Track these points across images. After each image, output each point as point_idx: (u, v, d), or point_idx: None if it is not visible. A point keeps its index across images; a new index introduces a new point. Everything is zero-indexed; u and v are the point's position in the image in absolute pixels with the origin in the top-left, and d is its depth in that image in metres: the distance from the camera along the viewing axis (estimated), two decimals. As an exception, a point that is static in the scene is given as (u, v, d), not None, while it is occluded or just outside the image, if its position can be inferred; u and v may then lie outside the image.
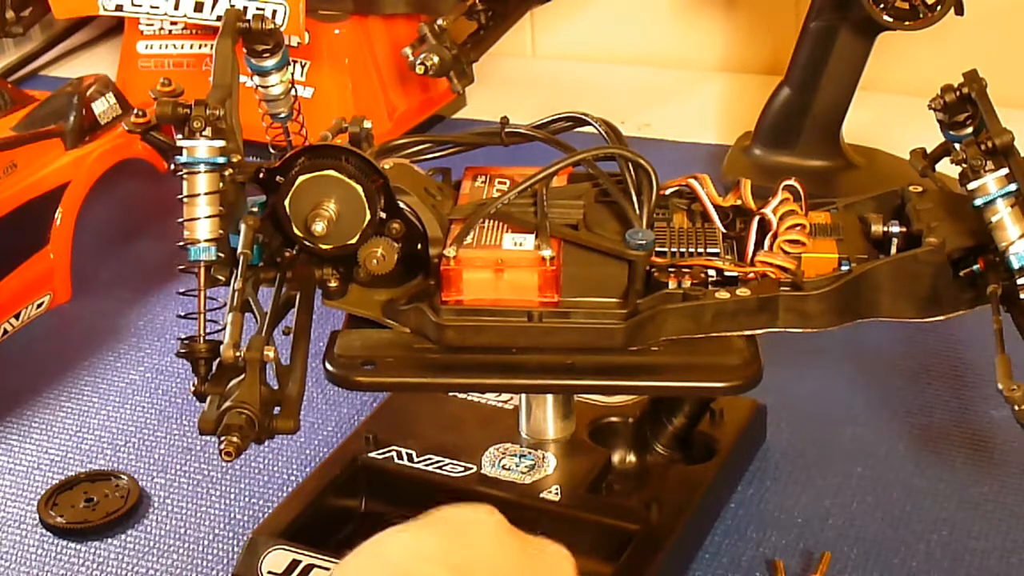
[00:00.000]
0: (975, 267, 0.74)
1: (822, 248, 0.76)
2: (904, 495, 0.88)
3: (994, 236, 0.72)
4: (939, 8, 1.13)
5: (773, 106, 1.27)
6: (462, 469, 0.84)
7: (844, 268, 0.75)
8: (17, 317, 1.07)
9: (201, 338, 0.69)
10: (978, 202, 0.72)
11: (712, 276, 0.74)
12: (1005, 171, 0.71)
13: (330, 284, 0.74)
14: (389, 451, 0.86)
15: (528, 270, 0.72)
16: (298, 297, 0.74)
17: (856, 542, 0.84)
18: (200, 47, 1.46)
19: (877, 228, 0.77)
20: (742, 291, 0.73)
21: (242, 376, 0.66)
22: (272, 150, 0.85)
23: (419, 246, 0.74)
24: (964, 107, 0.74)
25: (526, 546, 0.59)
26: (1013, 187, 0.71)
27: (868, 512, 0.86)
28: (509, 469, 0.83)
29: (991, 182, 0.71)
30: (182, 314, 0.72)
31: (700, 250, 0.75)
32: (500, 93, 1.53)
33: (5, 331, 1.06)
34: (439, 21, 1.31)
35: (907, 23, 1.14)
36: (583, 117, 0.82)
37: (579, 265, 0.73)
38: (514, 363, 0.73)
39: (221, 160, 0.71)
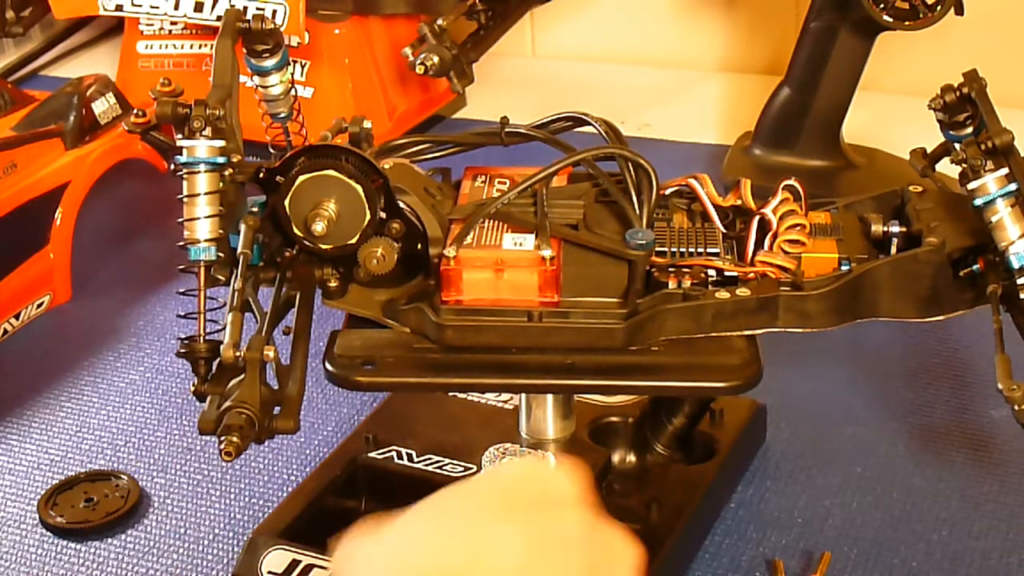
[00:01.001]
0: (975, 267, 0.74)
1: (822, 248, 0.76)
2: (904, 495, 0.88)
3: (994, 236, 0.72)
4: (939, 8, 1.13)
5: (773, 106, 1.27)
6: (462, 469, 0.84)
7: (844, 268, 0.75)
8: (17, 317, 1.07)
9: (201, 338, 0.69)
10: (978, 202, 0.72)
11: (712, 276, 0.74)
12: (1005, 171, 0.71)
13: (330, 284, 0.74)
14: (389, 451, 0.86)
15: (528, 270, 0.72)
16: (298, 297, 0.74)
17: (856, 542, 0.84)
18: (200, 47, 1.46)
19: (877, 228, 0.77)
20: (742, 291, 0.73)
21: (242, 376, 0.66)
22: (272, 150, 0.85)
23: (419, 246, 0.74)
24: (964, 107, 0.74)
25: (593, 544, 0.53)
26: (1013, 187, 0.71)
27: (868, 512, 0.86)
28: (509, 469, 0.83)
29: (991, 182, 0.71)
30: (182, 314, 0.72)
31: (700, 250, 0.75)
32: (500, 93, 1.53)
33: (5, 331, 1.06)
34: (439, 21, 1.31)
35: (907, 23, 1.14)
36: (583, 117, 0.82)
37: (579, 265, 0.73)
38: (514, 363, 0.73)
39: (221, 160, 0.71)
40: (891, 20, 1.14)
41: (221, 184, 0.71)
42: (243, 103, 0.76)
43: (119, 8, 1.41)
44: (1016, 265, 0.71)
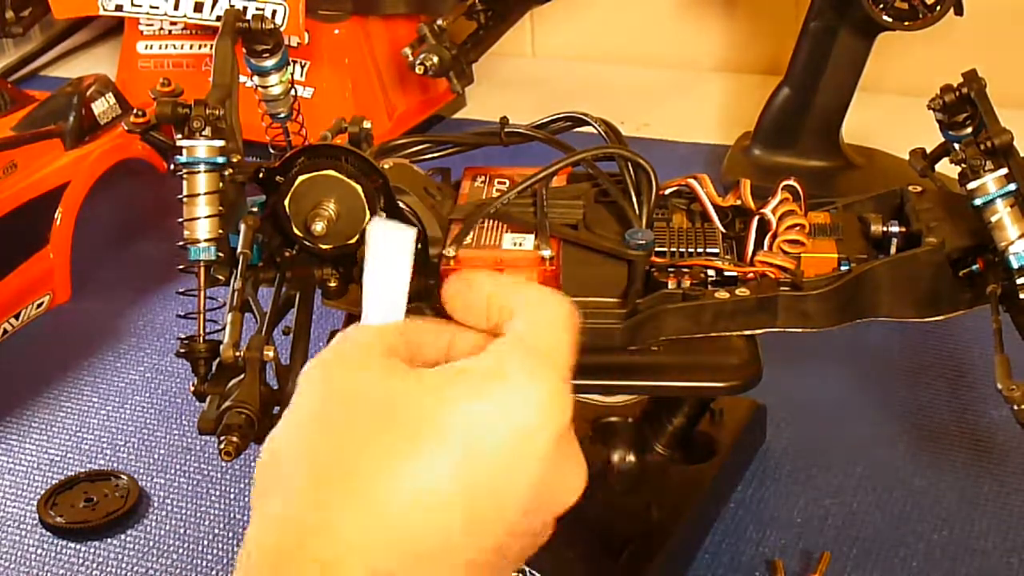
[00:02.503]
0: (974, 267, 0.74)
1: (822, 248, 0.76)
2: (904, 495, 0.88)
3: (993, 236, 0.72)
4: (939, 8, 1.13)
5: (773, 106, 1.27)
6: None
7: (844, 268, 0.75)
8: (17, 317, 1.07)
9: (201, 338, 0.69)
10: (977, 202, 0.72)
11: (712, 276, 0.74)
12: (1004, 171, 0.71)
13: (330, 284, 0.74)
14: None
15: (528, 270, 0.72)
16: (298, 297, 0.74)
17: (856, 542, 0.84)
18: (200, 47, 1.46)
19: (876, 228, 0.77)
20: (742, 291, 0.73)
21: (242, 376, 0.66)
22: (272, 150, 0.85)
23: (418, 246, 0.74)
24: (964, 107, 0.74)
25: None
26: (1012, 187, 0.71)
27: (868, 512, 0.86)
28: (509, 469, 0.83)
29: (990, 182, 0.71)
30: (182, 314, 0.72)
31: (700, 250, 0.75)
32: (500, 93, 1.53)
33: (5, 331, 1.06)
34: (439, 21, 1.31)
35: (907, 23, 1.14)
36: (583, 117, 0.82)
37: (579, 265, 0.73)
38: (514, 363, 0.73)
39: (221, 160, 0.71)
40: (891, 20, 1.14)
41: (221, 184, 0.71)
42: (243, 103, 0.76)
43: (119, 8, 1.41)
44: (1015, 265, 0.71)
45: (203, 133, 0.71)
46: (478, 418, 0.47)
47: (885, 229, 0.77)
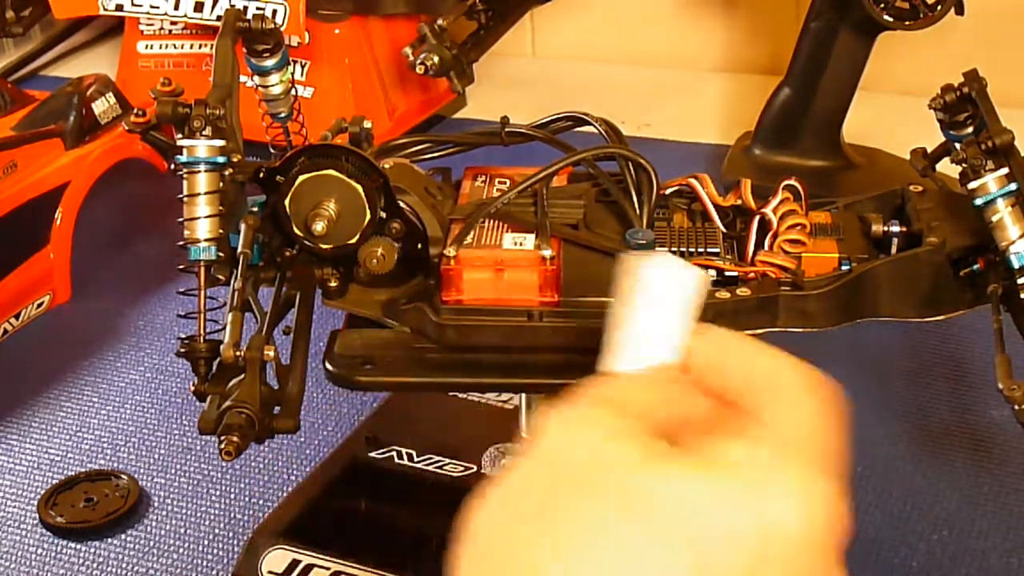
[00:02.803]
0: (975, 267, 0.74)
1: (822, 248, 0.76)
2: (904, 495, 0.88)
3: (994, 236, 0.72)
4: (939, 8, 1.13)
5: (773, 106, 1.27)
6: (462, 469, 0.84)
7: (844, 268, 0.75)
8: (17, 317, 1.07)
9: (201, 338, 0.69)
10: (978, 202, 0.72)
11: (712, 276, 0.74)
12: (1005, 171, 0.71)
13: (330, 284, 0.74)
14: (389, 451, 0.86)
15: (528, 270, 0.72)
16: (298, 297, 0.74)
17: (856, 542, 0.83)
18: (200, 47, 1.46)
19: (877, 228, 0.77)
20: (742, 291, 0.73)
21: (242, 376, 0.66)
22: (272, 150, 0.85)
23: (419, 246, 0.74)
24: (964, 107, 0.74)
25: None
26: (1013, 187, 0.71)
27: (868, 512, 0.86)
28: (509, 469, 0.83)
29: (991, 182, 0.71)
30: (182, 314, 0.72)
31: (700, 250, 0.75)
32: (500, 93, 1.53)
33: (5, 331, 1.06)
34: (439, 21, 1.31)
35: (907, 23, 1.14)
36: (583, 117, 0.82)
37: (579, 265, 0.73)
38: (514, 363, 0.73)
39: (221, 160, 0.71)
40: (891, 20, 1.14)
41: (221, 184, 0.71)
42: (243, 103, 0.76)
43: (119, 8, 1.41)
44: (1016, 265, 0.71)
45: (203, 133, 0.71)
46: (723, 512, 0.41)
47: (886, 229, 0.77)
